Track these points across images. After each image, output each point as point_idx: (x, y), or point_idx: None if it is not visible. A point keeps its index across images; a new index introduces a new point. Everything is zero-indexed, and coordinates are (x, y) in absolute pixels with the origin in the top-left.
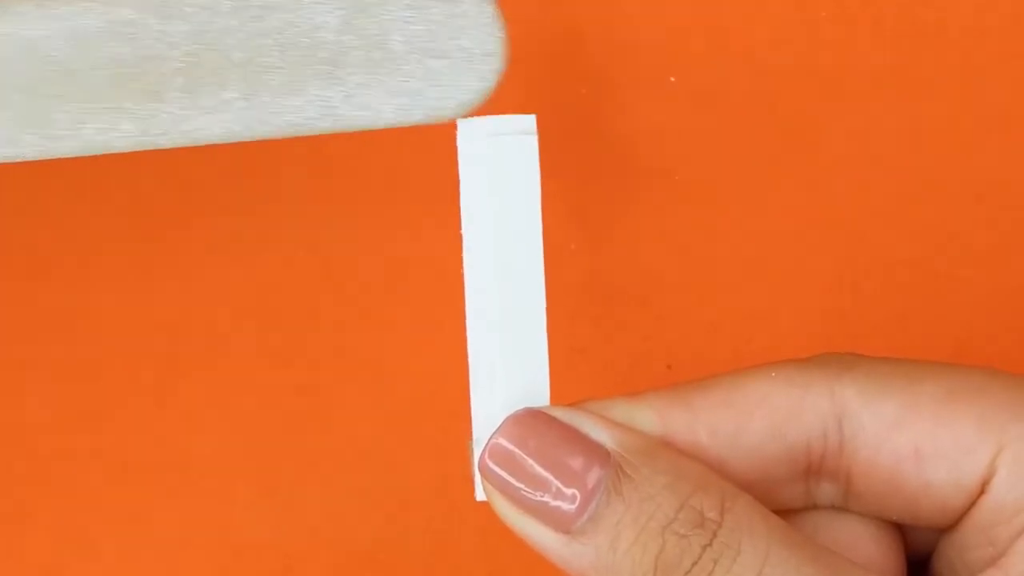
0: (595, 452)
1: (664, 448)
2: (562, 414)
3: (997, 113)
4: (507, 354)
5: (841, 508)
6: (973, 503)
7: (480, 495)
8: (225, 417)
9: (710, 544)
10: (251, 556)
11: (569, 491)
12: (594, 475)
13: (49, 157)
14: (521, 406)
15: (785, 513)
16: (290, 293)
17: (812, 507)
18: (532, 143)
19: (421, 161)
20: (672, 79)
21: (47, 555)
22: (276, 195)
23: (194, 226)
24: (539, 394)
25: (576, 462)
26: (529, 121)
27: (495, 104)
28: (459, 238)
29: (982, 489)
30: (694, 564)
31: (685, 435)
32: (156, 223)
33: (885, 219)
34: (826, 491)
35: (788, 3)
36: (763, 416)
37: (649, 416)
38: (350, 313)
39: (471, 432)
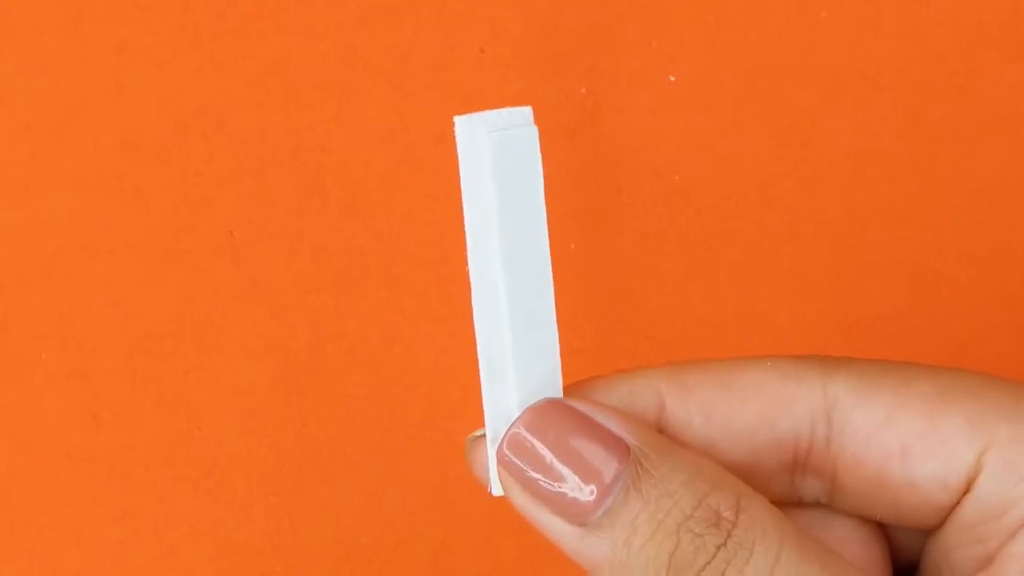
0: (615, 446)
1: (682, 446)
2: (582, 406)
3: (997, 113)
4: (519, 347)
5: (826, 506)
6: (958, 502)
7: (496, 490)
8: (225, 417)
9: (724, 544)
10: (251, 556)
11: (587, 484)
12: (613, 469)
13: None
14: (535, 398)
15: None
16: (290, 293)
17: (797, 502)
18: (533, 134)
19: (421, 159)
20: (672, 79)
21: (47, 555)
22: (276, 194)
23: (194, 225)
24: (552, 385)
25: (596, 455)
26: (526, 113)
27: (495, 103)
28: (460, 238)
29: (967, 487)
30: (707, 563)
31: (679, 413)
32: (156, 222)
33: (884, 219)
34: (811, 486)
35: (788, 3)
36: (756, 403)
37: (649, 396)
38: (351, 313)
39: (482, 426)
